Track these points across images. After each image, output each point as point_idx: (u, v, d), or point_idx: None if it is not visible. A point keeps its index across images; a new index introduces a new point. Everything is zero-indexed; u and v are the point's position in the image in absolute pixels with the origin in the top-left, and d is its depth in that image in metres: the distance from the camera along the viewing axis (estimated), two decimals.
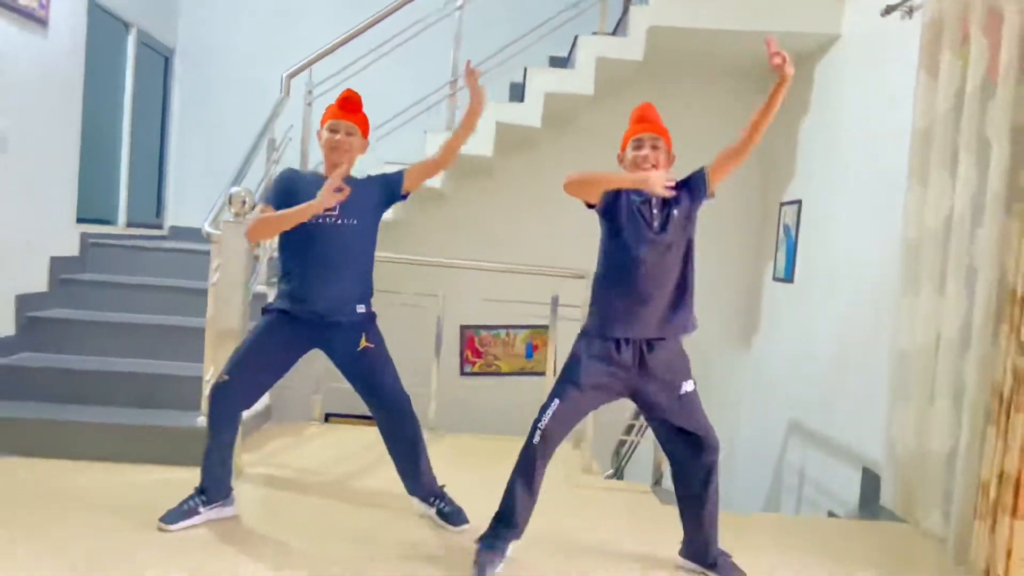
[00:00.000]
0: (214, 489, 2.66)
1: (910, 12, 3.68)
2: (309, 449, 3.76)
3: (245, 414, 2.78)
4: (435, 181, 4.49)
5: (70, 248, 4.21)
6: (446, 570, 2.44)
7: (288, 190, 2.60)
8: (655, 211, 2.35)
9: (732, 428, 5.56)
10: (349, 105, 2.67)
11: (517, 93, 5.05)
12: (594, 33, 4.69)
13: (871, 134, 4.09)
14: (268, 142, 4.17)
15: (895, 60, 3.80)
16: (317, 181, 2.58)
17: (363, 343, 2.66)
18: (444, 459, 3.75)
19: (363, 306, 2.69)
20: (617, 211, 2.34)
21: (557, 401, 2.37)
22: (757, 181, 5.51)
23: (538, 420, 2.37)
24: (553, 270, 4.39)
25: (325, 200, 2.46)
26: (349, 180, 2.60)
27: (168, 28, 5.38)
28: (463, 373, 5.67)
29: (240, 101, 5.50)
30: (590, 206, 2.43)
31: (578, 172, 2.34)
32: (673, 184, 2.30)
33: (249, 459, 3.44)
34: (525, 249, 5.41)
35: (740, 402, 5.59)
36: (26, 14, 3.62)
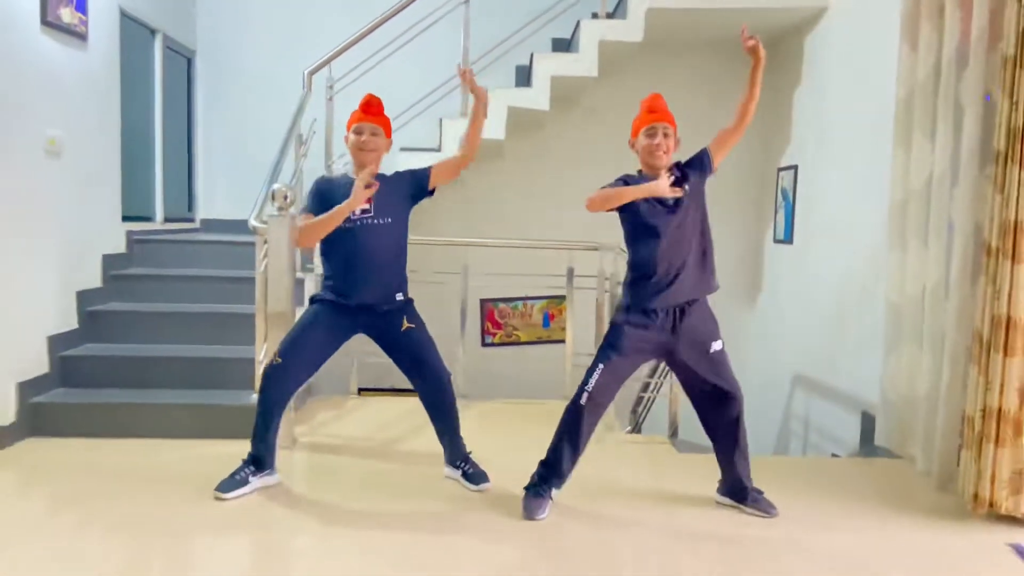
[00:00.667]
0: (263, 460, 2.96)
1: None
2: (353, 419, 4.09)
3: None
4: None
5: (118, 245, 4.52)
6: (496, 516, 2.77)
7: (323, 196, 2.89)
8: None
9: (740, 383, 5.89)
10: (372, 109, 2.93)
11: (523, 77, 5.32)
12: (594, 15, 4.95)
13: (859, 101, 4.36)
14: (296, 137, 4.46)
15: (879, 31, 4.06)
16: (349, 183, 2.85)
17: (405, 324, 2.96)
18: (473, 423, 4.09)
19: (401, 294, 2.98)
20: (632, 204, 2.64)
21: (601, 366, 2.68)
22: (756, 148, 5.77)
23: (584, 383, 2.69)
24: (569, 243, 4.71)
25: (358, 198, 2.76)
26: (379, 178, 2.88)
27: (188, 31, 5.64)
28: (484, 344, 6.01)
29: (257, 97, 5.79)
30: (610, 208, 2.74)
31: (598, 193, 2.62)
32: (675, 179, 2.61)
33: (301, 430, 3.78)
34: (537, 224, 5.72)
35: (747, 358, 5.89)
36: (69, 31, 3.90)
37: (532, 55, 4.86)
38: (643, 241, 2.68)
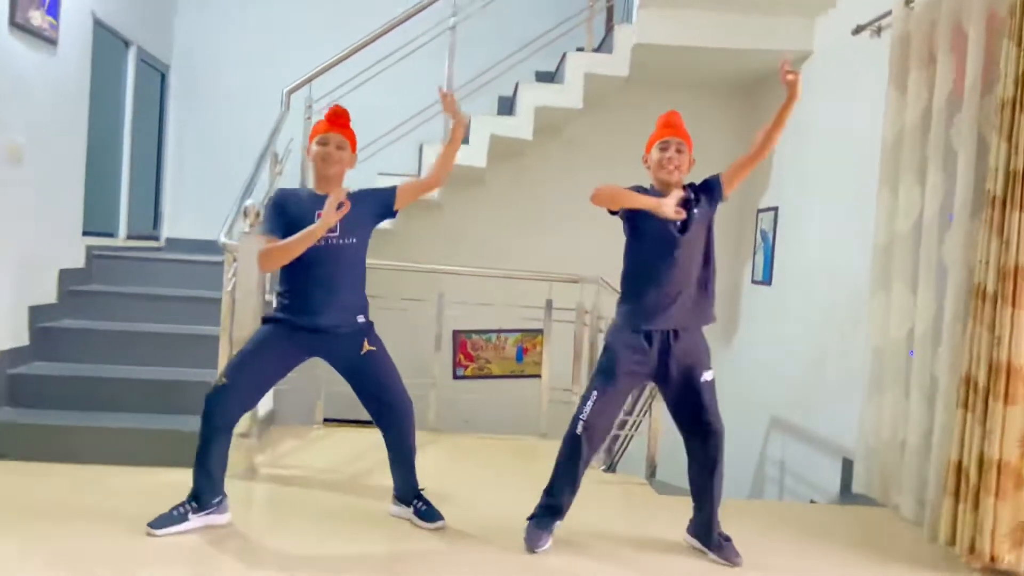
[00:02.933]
0: (206, 495, 2.71)
1: (879, 31, 3.95)
2: (317, 450, 3.91)
3: (259, 415, 2.87)
4: (430, 193, 4.66)
5: (77, 260, 4.31)
6: (491, 551, 2.64)
7: (285, 212, 2.69)
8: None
9: None
10: (338, 120, 2.77)
11: (506, 107, 5.26)
12: (579, 49, 4.91)
13: (842, 144, 4.36)
14: (271, 156, 4.32)
15: (865, 75, 4.06)
16: (312, 198, 2.70)
17: (366, 347, 2.79)
18: (444, 456, 3.96)
19: (362, 315, 2.82)
20: (641, 215, 2.54)
21: (596, 393, 2.58)
22: (735, 189, 5.75)
23: (579, 412, 2.58)
24: (548, 274, 4.61)
25: (329, 220, 2.57)
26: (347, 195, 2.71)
27: (164, 44, 5.51)
28: (456, 376, 5.85)
29: (232, 115, 5.65)
30: (612, 212, 2.64)
31: (607, 187, 2.54)
32: (685, 201, 2.52)
33: (262, 459, 3.58)
34: (516, 253, 5.62)
35: (722, 399, 5.80)
36: (38, 35, 3.74)
37: (517, 84, 4.80)
38: (644, 255, 2.60)
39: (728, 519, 2.82)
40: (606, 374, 2.61)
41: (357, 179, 4.69)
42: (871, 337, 3.59)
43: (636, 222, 2.59)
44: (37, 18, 3.71)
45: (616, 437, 5.20)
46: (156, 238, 5.56)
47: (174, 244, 5.59)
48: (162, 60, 5.47)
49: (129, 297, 4.27)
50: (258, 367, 2.73)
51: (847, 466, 3.95)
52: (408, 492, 2.93)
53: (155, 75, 5.43)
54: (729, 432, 5.41)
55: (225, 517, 2.78)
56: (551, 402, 4.47)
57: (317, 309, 2.73)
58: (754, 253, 5.48)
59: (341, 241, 2.73)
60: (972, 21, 3.08)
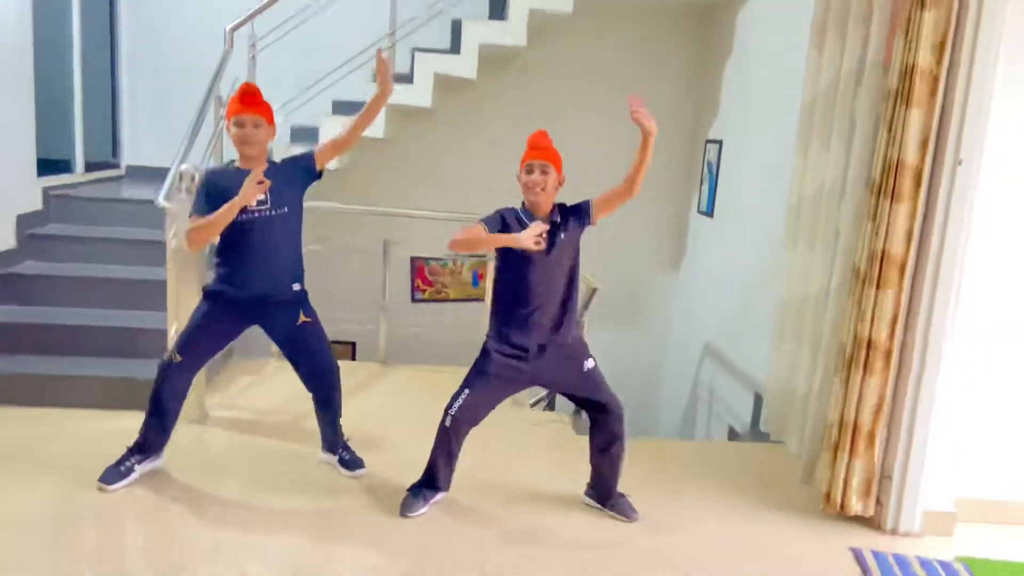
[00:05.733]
0: (152, 448, 3.03)
1: None
2: (270, 387, 4.20)
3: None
4: (376, 130, 4.76)
5: (33, 203, 4.47)
6: (379, 513, 2.94)
7: (212, 193, 2.84)
8: (543, 236, 2.69)
9: (661, 347, 6.14)
10: (249, 99, 2.86)
11: (459, 35, 5.23)
12: None
13: (776, 91, 4.43)
14: (215, 99, 4.39)
15: (797, 28, 4.07)
16: (238, 174, 2.83)
17: (301, 318, 3.03)
18: (393, 391, 4.27)
19: (298, 284, 3.03)
20: (507, 229, 2.71)
21: (467, 391, 2.80)
22: (686, 115, 5.83)
23: (449, 407, 2.80)
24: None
25: (249, 195, 2.75)
26: (269, 167, 2.88)
27: None
28: (414, 300, 6.10)
29: (186, 32, 5.61)
30: None
31: (464, 233, 2.64)
32: (551, 223, 2.68)
33: (214, 401, 3.89)
34: (472, 185, 5.76)
35: (669, 323, 6.13)
36: None
37: (460, 22, 4.79)
38: (508, 274, 2.76)
39: (649, 459, 3.11)
40: (480, 375, 2.81)
41: (312, 110, 4.80)
42: (778, 289, 3.82)
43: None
44: None
45: None
46: (116, 166, 5.68)
47: (136, 172, 5.71)
48: None
49: (90, 240, 4.45)
50: (204, 342, 3.01)
51: (758, 401, 4.28)
52: (335, 443, 3.25)
53: None
54: (672, 355, 5.76)
55: (161, 460, 3.10)
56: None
57: (253, 280, 2.94)
58: (700, 183, 5.61)
59: (272, 212, 2.91)
60: None
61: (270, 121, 2.95)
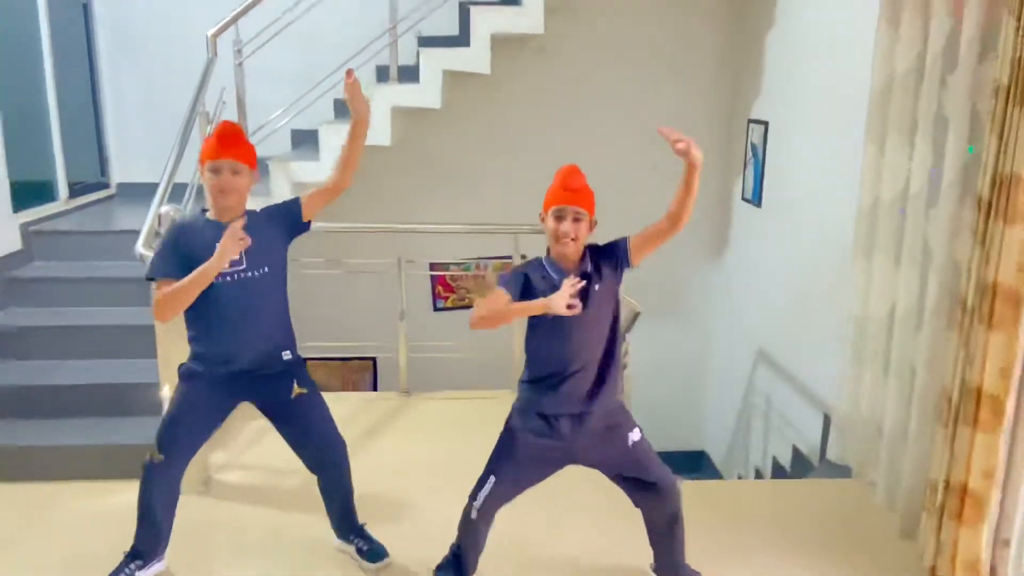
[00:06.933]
0: (150, 554, 2.63)
1: None
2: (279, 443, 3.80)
3: None
4: (381, 136, 4.27)
5: (11, 243, 4.07)
6: None
7: (182, 248, 2.40)
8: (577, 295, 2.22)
9: (703, 345, 5.66)
10: (228, 140, 2.40)
11: (467, 21, 4.70)
12: None
13: (834, 67, 3.86)
14: (201, 115, 3.93)
15: None
16: (211, 227, 2.40)
17: (296, 390, 2.58)
18: (414, 430, 3.86)
19: (288, 352, 2.59)
20: (533, 294, 2.24)
21: (493, 479, 2.37)
22: (723, 93, 5.29)
23: (473, 497, 2.39)
24: (517, 226, 4.30)
25: (226, 255, 2.31)
26: (248, 220, 2.42)
27: None
28: (436, 309, 5.68)
29: (170, 43, 5.14)
30: None
31: (483, 309, 2.19)
32: (583, 275, 2.22)
33: (218, 459, 3.50)
34: (487, 187, 5.30)
35: (711, 319, 5.64)
36: None
37: (469, 9, 4.25)
38: (541, 335, 2.30)
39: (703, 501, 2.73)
40: (507, 458, 2.38)
41: (314, 117, 4.33)
42: (852, 305, 3.32)
43: (532, 298, 2.25)
44: None
45: None
46: (106, 185, 5.25)
47: (128, 191, 5.28)
48: None
49: (77, 282, 4.02)
50: (186, 434, 2.56)
51: (827, 423, 3.81)
52: (348, 528, 2.82)
53: (75, 5, 4.91)
54: (716, 354, 5.31)
55: (164, 562, 2.71)
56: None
57: (233, 352, 2.50)
58: (744, 167, 5.07)
59: (251, 273, 2.46)
60: None
61: (252, 166, 2.48)
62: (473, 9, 4.22)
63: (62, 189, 4.71)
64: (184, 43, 4.89)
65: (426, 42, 4.42)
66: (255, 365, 2.52)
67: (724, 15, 5.17)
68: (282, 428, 2.66)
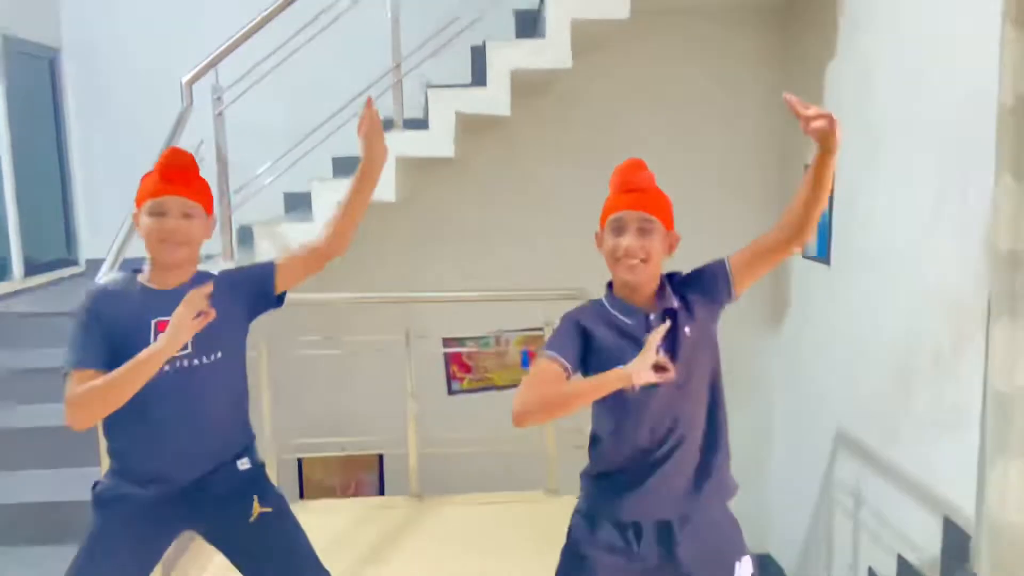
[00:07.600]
0: None
1: None
2: None
3: None
4: (385, 192, 3.62)
5: None
6: None
7: (106, 324, 1.75)
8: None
9: (764, 423, 4.91)
10: (175, 174, 1.77)
11: (481, 62, 4.13)
12: None
13: (924, 84, 3.22)
14: None
15: None
16: (145, 296, 1.78)
17: (256, 508, 1.89)
18: (427, 553, 3.10)
19: (246, 460, 1.93)
20: (598, 352, 1.56)
21: None
22: (773, 134, 4.68)
23: None
24: (540, 290, 3.67)
25: (182, 334, 1.66)
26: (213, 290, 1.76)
27: (48, 26, 4.42)
28: (451, 392, 4.96)
29: (146, 97, 4.55)
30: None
31: (529, 394, 1.51)
32: (668, 315, 1.54)
33: None
34: (507, 245, 4.65)
35: (773, 391, 4.91)
36: None
37: (484, 45, 3.67)
38: (612, 412, 1.63)
39: None
40: None
41: (309, 168, 3.66)
42: (992, 379, 2.60)
43: (594, 366, 1.60)
44: None
45: None
46: (74, 262, 4.63)
47: (100, 268, 4.64)
48: (47, 44, 4.40)
49: (23, 374, 3.38)
50: None
51: (951, 531, 3.02)
52: None
53: (40, 63, 4.37)
54: (782, 439, 4.51)
55: None
56: (562, 448, 3.53)
57: (170, 470, 1.82)
58: None
59: (197, 361, 1.80)
60: None
61: (209, 210, 1.85)
62: (489, 44, 3.62)
63: (16, 269, 4.08)
64: (165, 102, 4.35)
65: (435, 88, 3.83)
66: (198, 481, 1.84)
67: (772, 48, 4.60)
68: (239, 561, 1.94)
